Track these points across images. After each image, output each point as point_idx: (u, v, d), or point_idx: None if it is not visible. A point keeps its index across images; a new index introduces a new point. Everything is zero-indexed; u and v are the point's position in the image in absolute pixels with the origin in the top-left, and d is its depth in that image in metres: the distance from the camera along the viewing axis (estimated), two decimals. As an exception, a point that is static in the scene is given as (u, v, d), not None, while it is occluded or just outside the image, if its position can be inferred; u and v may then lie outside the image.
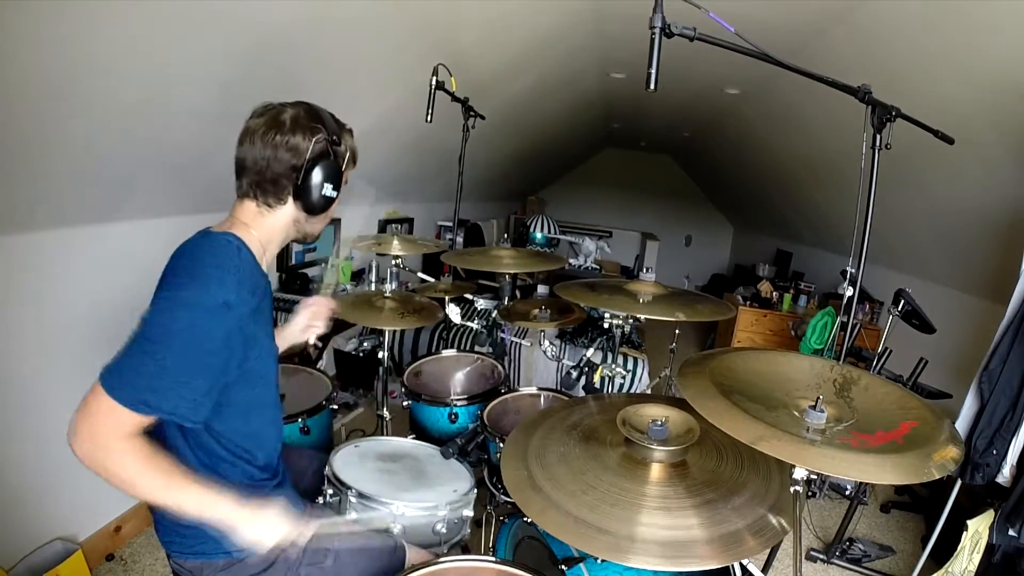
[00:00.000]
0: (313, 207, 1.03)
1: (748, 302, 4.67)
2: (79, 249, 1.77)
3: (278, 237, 1.07)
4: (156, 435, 0.92)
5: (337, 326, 3.06)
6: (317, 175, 1.00)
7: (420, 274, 2.33)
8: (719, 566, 0.90)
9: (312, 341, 1.39)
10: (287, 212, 1.04)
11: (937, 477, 0.80)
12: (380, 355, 1.97)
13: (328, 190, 1.03)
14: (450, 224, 4.39)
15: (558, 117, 4.71)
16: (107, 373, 0.84)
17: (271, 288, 1.10)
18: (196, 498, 0.89)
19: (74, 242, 1.74)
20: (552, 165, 7.21)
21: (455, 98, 2.34)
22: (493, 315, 2.26)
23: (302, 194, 1.01)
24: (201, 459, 1.00)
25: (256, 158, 0.99)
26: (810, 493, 2.76)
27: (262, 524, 0.94)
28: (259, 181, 1.00)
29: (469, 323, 2.23)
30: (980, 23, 1.84)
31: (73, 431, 0.83)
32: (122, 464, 0.84)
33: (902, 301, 2.31)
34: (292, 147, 0.98)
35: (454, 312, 1.92)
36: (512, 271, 2.16)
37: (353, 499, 1.29)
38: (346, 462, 1.44)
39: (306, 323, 1.37)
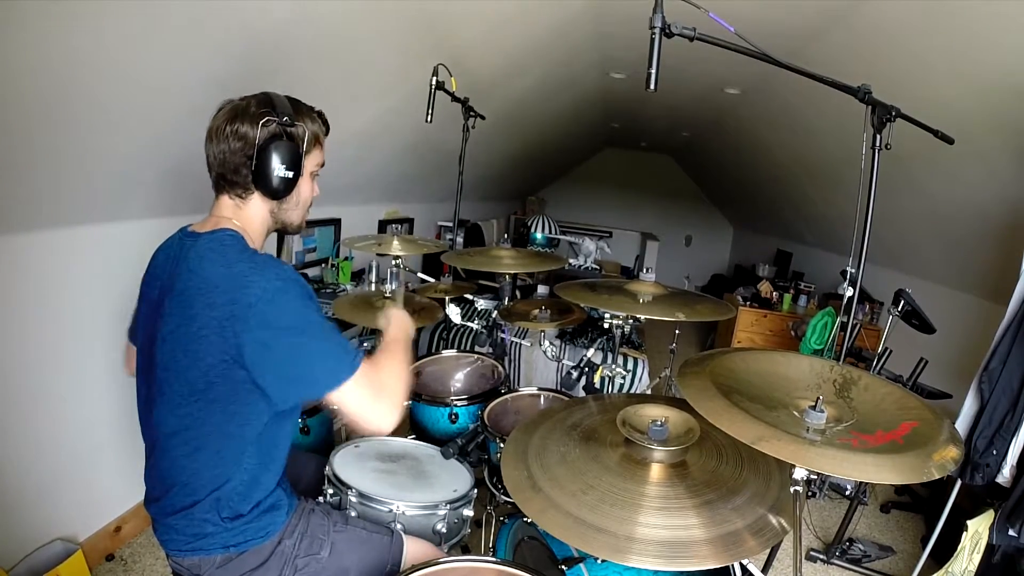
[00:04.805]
0: (275, 191, 1.04)
1: (748, 302, 4.67)
2: (80, 249, 1.77)
3: (260, 229, 1.08)
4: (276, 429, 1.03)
5: (337, 326, 3.06)
6: (270, 159, 1.01)
7: (420, 274, 2.33)
8: (719, 566, 0.90)
9: None
10: (258, 201, 1.06)
11: (937, 477, 0.80)
12: (380, 355, 1.96)
13: (283, 171, 1.03)
14: (450, 224, 4.38)
15: (558, 117, 4.70)
16: (332, 376, 0.94)
17: None
18: (398, 351, 1.12)
19: (75, 242, 1.74)
20: (552, 165, 7.21)
21: (455, 98, 2.34)
22: (493, 315, 2.26)
23: (260, 180, 1.02)
24: (263, 459, 1.03)
25: (215, 153, 1.02)
26: (810, 493, 2.76)
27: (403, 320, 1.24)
28: (223, 174, 1.03)
29: (469, 323, 2.23)
30: (980, 24, 1.84)
31: (378, 422, 0.97)
32: (401, 391, 1.03)
33: (902, 301, 2.31)
34: (241, 135, 1.00)
35: (454, 312, 1.92)
36: (512, 271, 2.15)
37: (353, 499, 1.29)
38: (346, 462, 1.44)
39: None
